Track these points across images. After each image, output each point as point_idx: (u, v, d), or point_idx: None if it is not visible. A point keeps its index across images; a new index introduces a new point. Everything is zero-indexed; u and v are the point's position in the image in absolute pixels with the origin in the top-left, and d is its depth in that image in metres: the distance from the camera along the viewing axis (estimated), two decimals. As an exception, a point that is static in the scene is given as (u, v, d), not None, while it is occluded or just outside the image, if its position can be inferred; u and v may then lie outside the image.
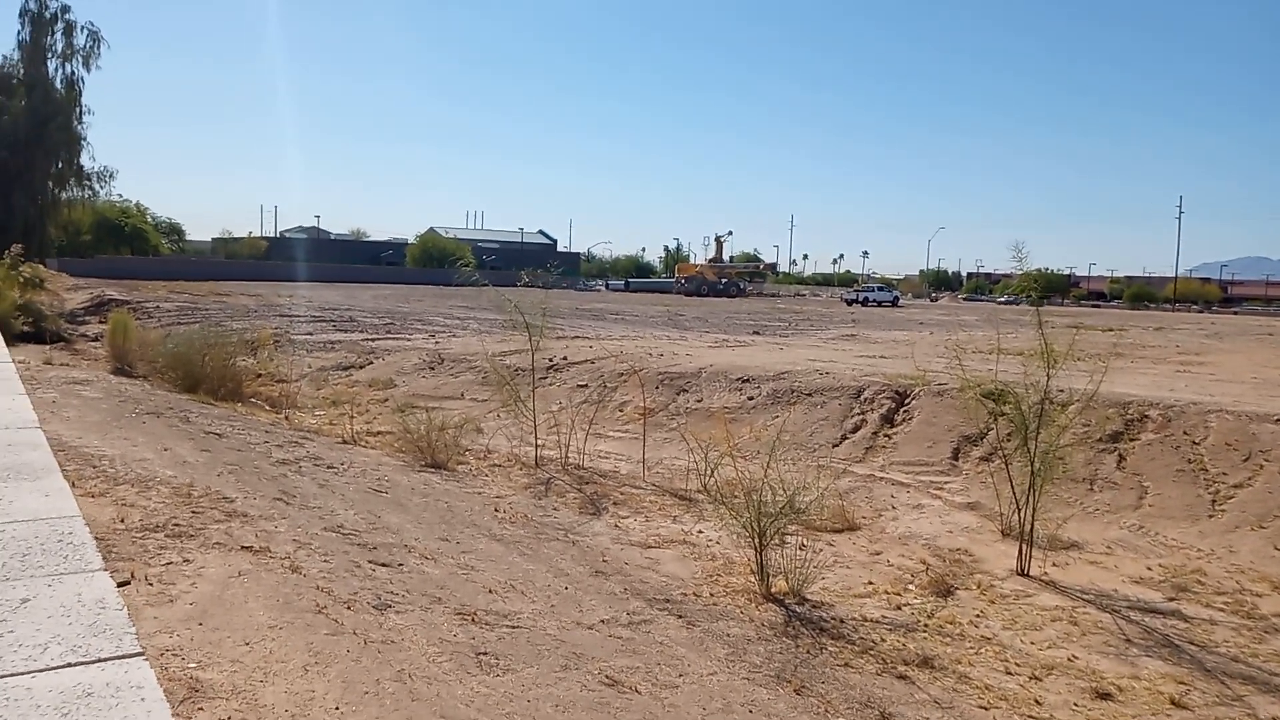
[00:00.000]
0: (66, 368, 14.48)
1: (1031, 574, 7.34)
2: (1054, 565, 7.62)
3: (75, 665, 3.04)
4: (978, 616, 6.38)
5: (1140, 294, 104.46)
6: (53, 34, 45.91)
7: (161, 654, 3.59)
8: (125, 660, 3.11)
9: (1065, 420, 7.94)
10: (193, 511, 5.80)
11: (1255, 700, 5.24)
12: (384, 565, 5.53)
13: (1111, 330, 33.15)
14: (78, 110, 47.14)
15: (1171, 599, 6.91)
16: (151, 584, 4.35)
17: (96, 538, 4.87)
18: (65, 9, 46.13)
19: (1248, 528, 8.21)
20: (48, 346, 19.10)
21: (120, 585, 4.15)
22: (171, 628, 3.87)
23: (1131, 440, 10.04)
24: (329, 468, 8.70)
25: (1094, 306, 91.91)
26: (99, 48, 46.78)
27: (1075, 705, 5.05)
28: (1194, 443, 9.70)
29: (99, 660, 3.09)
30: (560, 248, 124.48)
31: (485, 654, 4.29)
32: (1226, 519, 8.44)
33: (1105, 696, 5.18)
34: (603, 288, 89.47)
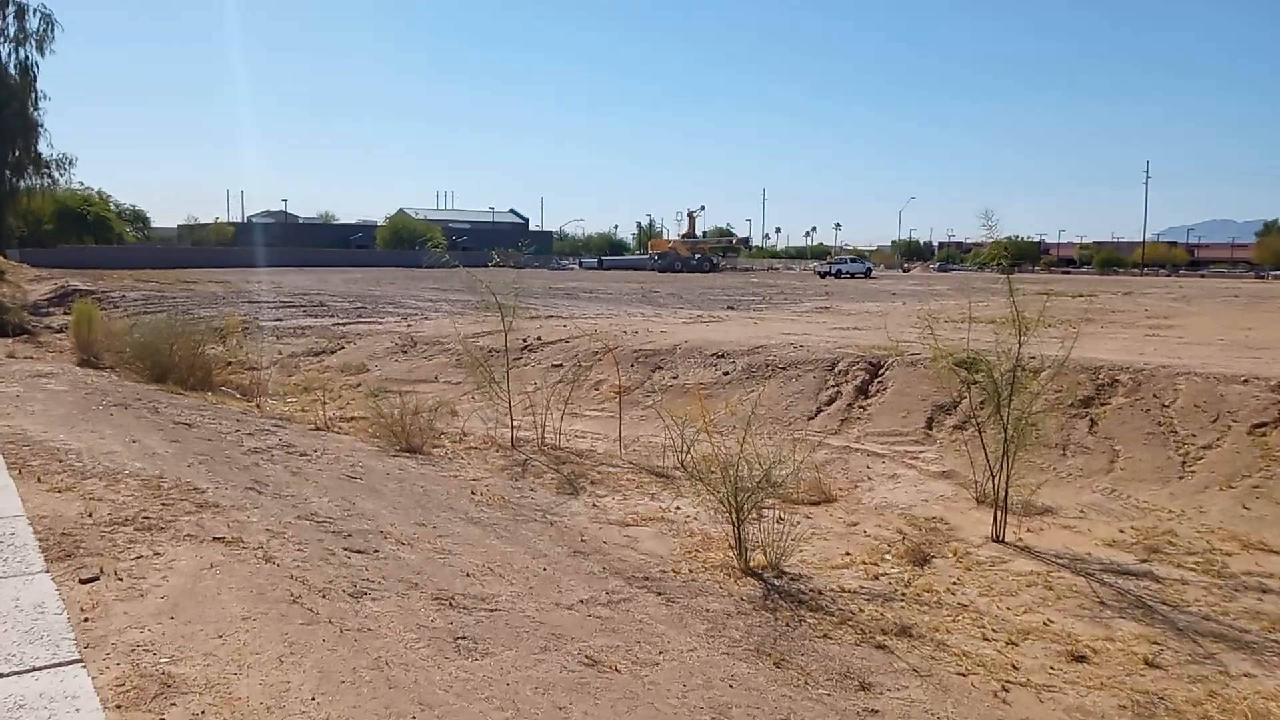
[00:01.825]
0: (30, 360, 14.23)
1: (1006, 540, 7.41)
2: (1028, 531, 7.70)
3: (7, 675, 2.93)
4: (954, 584, 6.44)
5: (1109, 259, 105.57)
6: (4, 18, 44.67)
7: (132, 650, 3.54)
8: (61, 668, 3.02)
9: (1037, 387, 7.99)
10: (163, 504, 5.72)
11: (1227, 658, 5.32)
12: (359, 552, 5.48)
13: (1082, 296, 33.49)
14: (33, 96, 45.96)
15: (1143, 560, 7.00)
16: (121, 579, 4.28)
17: (63, 533, 4.80)
18: (17, -9, 44.92)
19: (1217, 488, 8.33)
20: (10, 340, 18.76)
21: (87, 581, 4.09)
22: (142, 623, 3.81)
23: (1102, 405, 10.14)
24: (301, 455, 8.61)
25: (1064, 273, 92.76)
26: (53, 31, 45.53)
27: (1051, 669, 5.11)
28: (1164, 405, 9.82)
29: (33, 669, 2.99)
30: (532, 226, 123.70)
31: (463, 638, 4.26)
32: (1196, 480, 8.56)
33: (1080, 659, 5.24)
34: (576, 266, 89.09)
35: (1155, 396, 10.01)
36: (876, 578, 6.55)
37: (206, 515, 5.62)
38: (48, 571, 3.95)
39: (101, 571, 4.33)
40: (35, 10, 45.16)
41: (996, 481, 7.53)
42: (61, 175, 49.61)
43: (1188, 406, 9.67)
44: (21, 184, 47.73)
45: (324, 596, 4.45)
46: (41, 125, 46.61)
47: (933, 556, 7.01)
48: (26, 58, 45.65)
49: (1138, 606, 6.08)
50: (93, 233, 66.90)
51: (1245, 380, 9.92)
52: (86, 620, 3.74)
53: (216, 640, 3.73)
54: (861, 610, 5.80)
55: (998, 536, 7.44)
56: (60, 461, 6.55)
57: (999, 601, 6.13)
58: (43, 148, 47.13)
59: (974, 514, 8.12)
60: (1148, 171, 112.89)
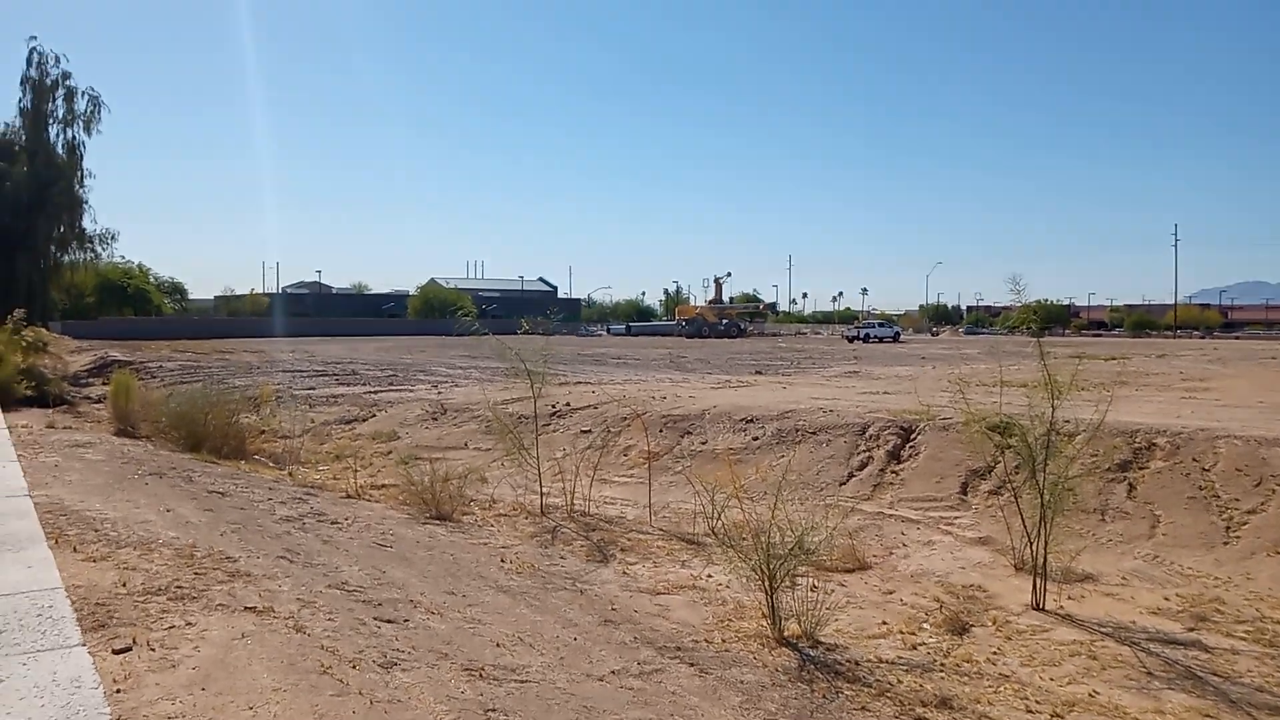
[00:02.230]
0: (69, 430, 14.45)
1: (1047, 608, 7.22)
2: (1069, 598, 7.51)
3: None
4: (995, 654, 6.27)
5: (1141, 322, 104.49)
6: (54, 100, 46.54)
7: (163, 721, 3.52)
8: None
9: (1073, 451, 7.87)
10: (195, 573, 5.74)
11: (1283, 732, 5.12)
12: (389, 622, 5.45)
13: (1114, 359, 33.11)
14: (79, 174, 47.65)
15: (1191, 629, 6.79)
16: (154, 649, 4.28)
17: (98, 603, 4.83)
18: (66, 75, 46.82)
19: (1264, 553, 8.10)
20: (51, 410, 19.08)
21: (120, 652, 4.09)
22: (174, 694, 3.80)
23: (1141, 469, 9.95)
24: (333, 523, 8.63)
25: (1095, 336, 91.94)
26: (99, 112, 47.40)
27: (1099, 743, 4.94)
28: (1204, 469, 9.62)
29: None
30: (560, 294, 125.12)
31: (493, 710, 4.20)
32: (1242, 545, 8.34)
33: (1129, 733, 5.06)
34: (604, 332, 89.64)
35: (1195, 460, 9.82)
36: (914, 647, 6.40)
37: (238, 584, 5.63)
38: (84, 645, 3.96)
39: (134, 642, 4.33)
40: (84, 93, 47.05)
41: (1035, 548, 7.38)
42: (104, 249, 51.13)
43: (1229, 470, 9.46)
44: (65, 258, 49.15)
45: (354, 667, 4.42)
46: (86, 202, 48.22)
47: (971, 625, 6.84)
48: (74, 138, 47.41)
49: (1187, 677, 5.88)
50: (132, 305, 68.45)
51: (1288, 442, 9.70)
52: (119, 691, 3.74)
53: (247, 712, 3.70)
54: (900, 681, 5.65)
55: (1038, 604, 7.26)
56: (96, 531, 6.61)
57: (1042, 672, 5.95)
58: (86, 223, 48.64)
59: (1013, 581, 7.94)
60: (1176, 234, 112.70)
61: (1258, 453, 9.61)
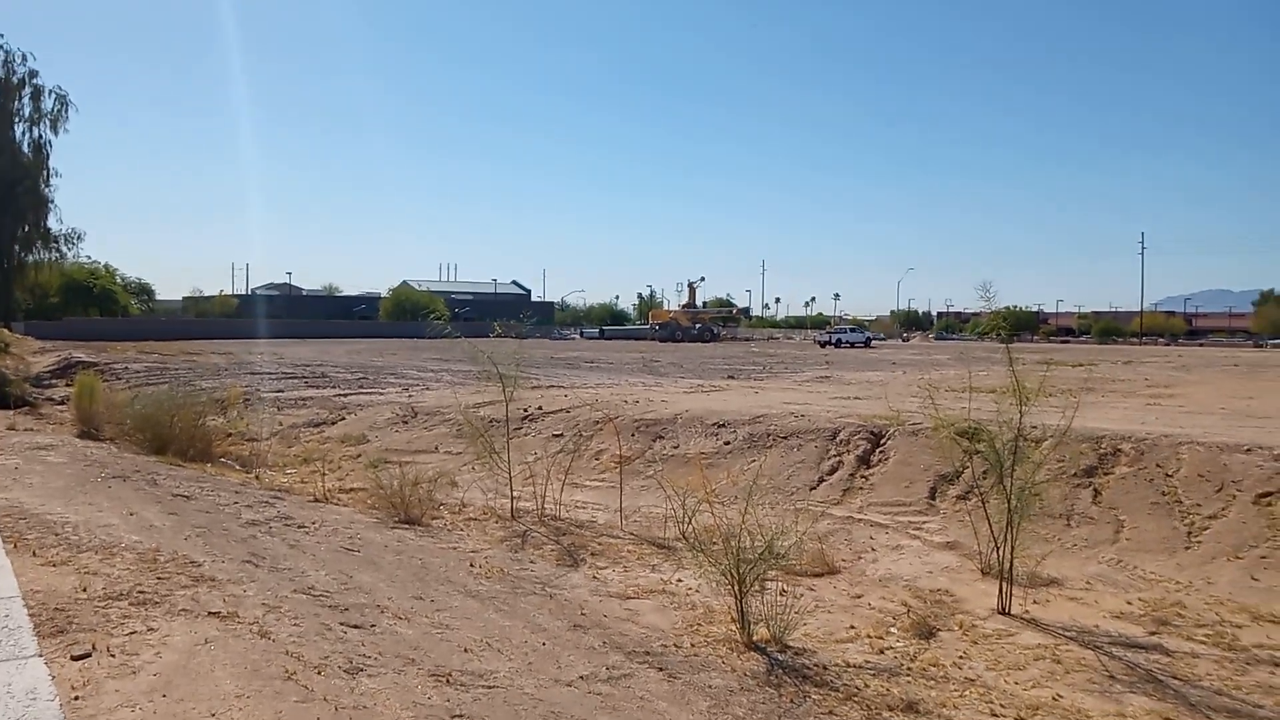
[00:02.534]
0: (31, 433, 14.22)
1: (1013, 612, 7.30)
2: (1035, 603, 7.59)
3: None
4: (961, 658, 6.32)
5: (1108, 328, 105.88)
6: (20, 98, 45.71)
7: (122, 729, 3.47)
8: None
9: (1040, 456, 7.97)
10: (158, 578, 5.66)
11: (1241, 734, 5.20)
12: (355, 627, 5.40)
13: (1081, 365, 33.54)
14: (45, 173, 46.83)
15: (1153, 633, 6.89)
16: (114, 655, 4.22)
17: (56, 609, 4.75)
18: (34, 74, 46.01)
19: (1224, 558, 8.24)
20: (12, 411, 18.77)
21: (79, 658, 4.02)
22: (134, 700, 3.74)
23: (1106, 474, 10.09)
24: (300, 527, 8.55)
25: (1063, 342, 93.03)
26: (67, 111, 46.61)
27: (1062, 746, 4.99)
28: (1167, 475, 9.77)
29: None
30: (534, 297, 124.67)
31: (460, 716, 4.18)
32: (1203, 550, 8.47)
33: (1092, 736, 5.12)
34: (577, 336, 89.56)
35: (1159, 466, 9.96)
36: (882, 651, 6.44)
37: (202, 589, 5.55)
38: (41, 655, 3.89)
39: (94, 648, 4.26)
40: (51, 91, 46.26)
41: (1001, 552, 7.45)
42: (69, 249, 50.27)
43: (1191, 476, 9.62)
44: (30, 258, 48.28)
45: (319, 673, 4.38)
46: (52, 201, 47.38)
47: (938, 629, 6.90)
48: (40, 136, 46.60)
49: (1149, 681, 5.97)
50: (98, 305, 67.46)
51: (1249, 449, 9.88)
52: (77, 699, 3.68)
53: (209, 719, 3.66)
54: (867, 685, 5.69)
55: (1004, 608, 7.33)
56: (56, 535, 6.50)
57: (1007, 676, 6.01)
58: (52, 223, 47.80)
59: (979, 585, 8.02)
60: (1143, 243, 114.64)
61: (1219, 459, 9.78)
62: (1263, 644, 6.60)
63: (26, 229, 46.92)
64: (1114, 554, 8.71)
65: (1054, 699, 5.64)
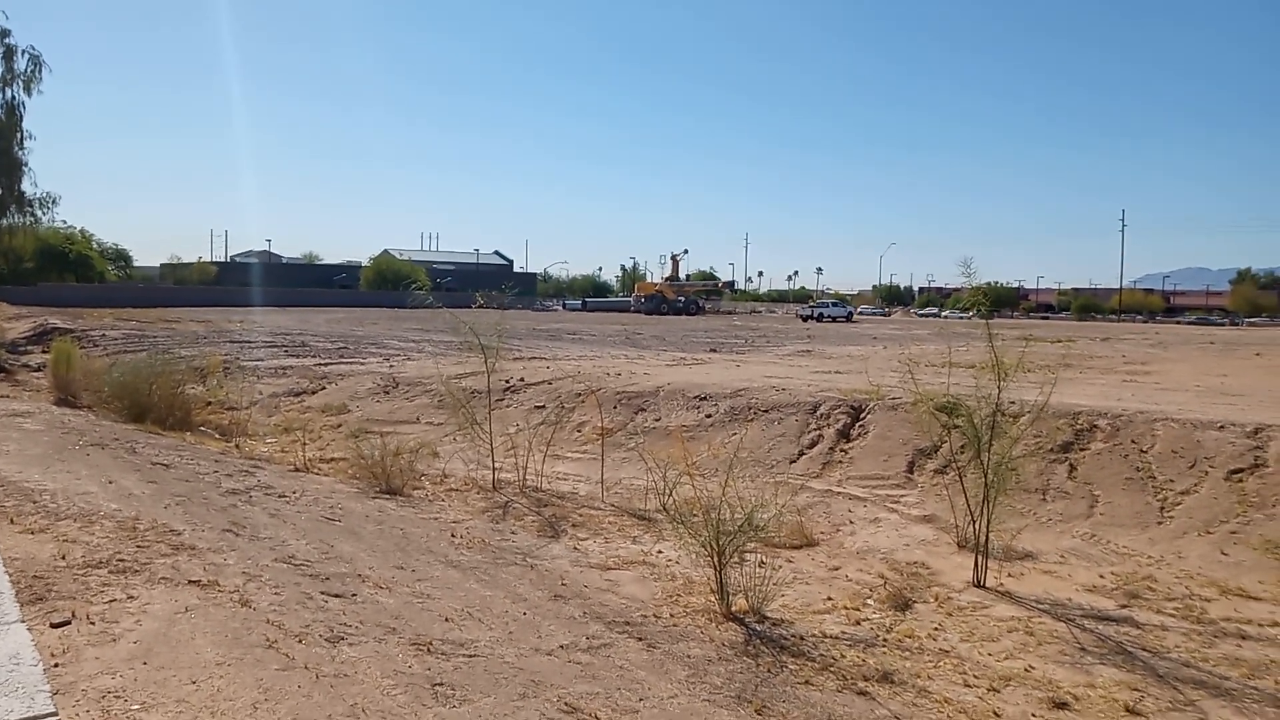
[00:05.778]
0: (6, 400, 14.08)
1: (988, 585, 7.40)
2: (1009, 576, 7.70)
3: None
4: (936, 629, 6.42)
5: (1087, 305, 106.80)
6: (-8, 58, 44.79)
7: (103, 697, 3.48)
8: None
9: (1017, 432, 8.05)
10: (138, 546, 5.65)
11: (1207, 705, 5.32)
12: (337, 596, 5.42)
13: (1060, 341, 33.80)
14: (19, 135, 45.90)
15: (1124, 606, 7.01)
16: (94, 623, 4.22)
17: (35, 576, 4.73)
18: (5, 33, 45.04)
19: (1195, 533, 8.38)
20: (-13, 378, 18.55)
21: (59, 625, 4.02)
22: (114, 668, 3.75)
23: (1082, 450, 10.21)
24: (280, 496, 8.53)
25: (1043, 318, 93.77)
26: (41, 72, 45.54)
27: (1033, 715, 5.09)
28: (1142, 451, 9.90)
29: None
30: (517, 268, 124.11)
31: (441, 685, 4.21)
32: (1175, 525, 8.61)
33: (1062, 706, 5.22)
34: (560, 308, 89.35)
35: (1134, 442, 10.09)
36: (858, 623, 6.52)
37: (182, 558, 5.55)
38: (23, 620, 3.89)
39: (74, 615, 4.26)
40: (24, 51, 45.20)
41: (977, 526, 7.55)
42: (45, 214, 49.37)
43: (1165, 452, 9.75)
44: (4, 222, 47.51)
45: (300, 641, 4.39)
46: (26, 164, 46.48)
47: (914, 601, 6.99)
48: (13, 98, 45.59)
49: (1118, 653, 6.08)
50: (74, 271, 66.61)
51: (1221, 426, 10.03)
52: (57, 666, 3.68)
53: (190, 686, 3.67)
54: (843, 656, 5.77)
55: (979, 581, 7.44)
56: (34, 503, 6.46)
57: (980, 647, 6.11)
58: (26, 186, 46.94)
59: (955, 559, 8.12)
60: (1124, 220, 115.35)
61: (1193, 435, 9.91)
62: (1230, 617, 6.74)
63: (0, 192, 46.15)
64: (1088, 528, 8.83)
65: (1026, 670, 5.74)
